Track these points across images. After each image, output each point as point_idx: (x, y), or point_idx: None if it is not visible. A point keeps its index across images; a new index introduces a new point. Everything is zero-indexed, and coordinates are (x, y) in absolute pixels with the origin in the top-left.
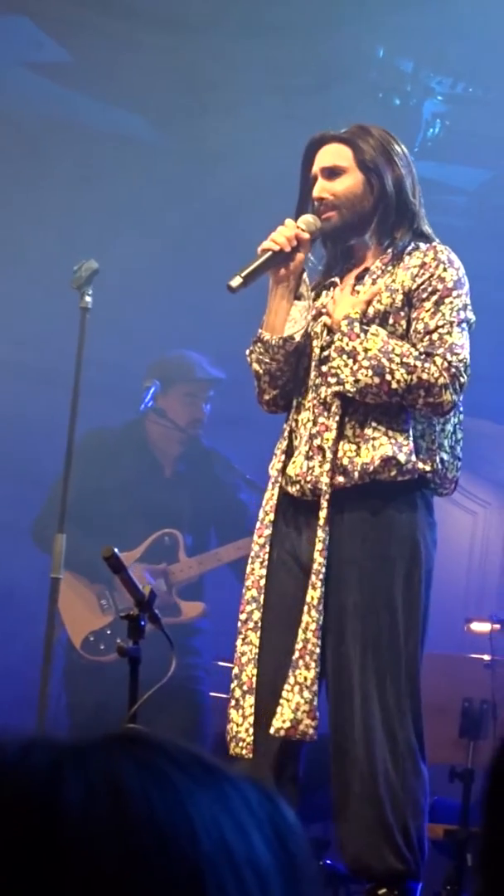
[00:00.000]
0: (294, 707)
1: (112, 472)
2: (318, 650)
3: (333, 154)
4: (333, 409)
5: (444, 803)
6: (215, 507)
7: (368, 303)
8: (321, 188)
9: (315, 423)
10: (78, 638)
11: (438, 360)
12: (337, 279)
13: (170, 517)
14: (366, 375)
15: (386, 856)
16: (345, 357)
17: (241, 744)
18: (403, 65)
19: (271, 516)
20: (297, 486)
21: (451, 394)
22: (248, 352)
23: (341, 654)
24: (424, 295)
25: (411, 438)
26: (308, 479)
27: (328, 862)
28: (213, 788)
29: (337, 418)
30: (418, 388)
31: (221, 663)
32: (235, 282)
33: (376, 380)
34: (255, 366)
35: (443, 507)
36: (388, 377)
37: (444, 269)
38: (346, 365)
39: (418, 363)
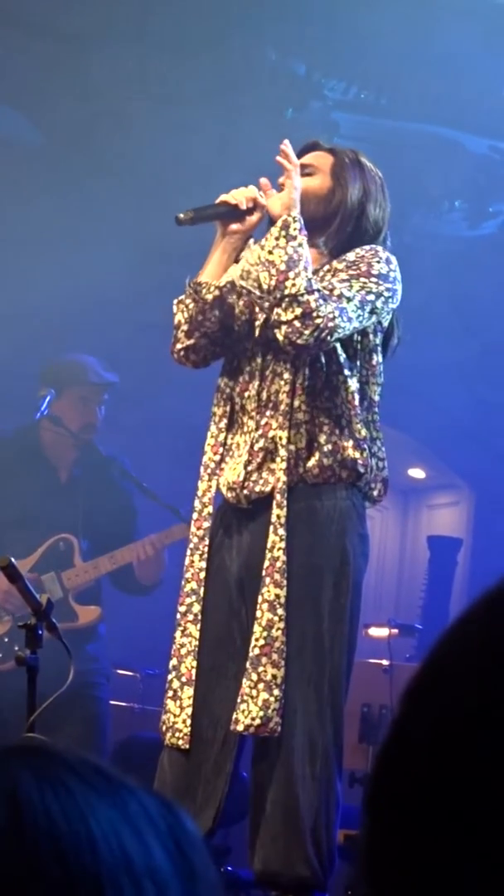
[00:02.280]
0: (263, 704)
1: (4, 479)
2: (285, 647)
3: (314, 156)
4: (282, 408)
5: (344, 809)
6: (110, 510)
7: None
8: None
9: (258, 427)
10: None
11: (329, 307)
12: None
13: (65, 522)
14: (280, 256)
15: (294, 863)
16: (282, 231)
17: (177, 734)
18: (296, 68)
19: (210, 508)
20: (234, 493)
21: (312, 339)
22: (176, 301)
23: None
24: (342, 266)
25: (355, 441)
26: (245, 486)
27: (229, 868)
28: (112, 798)
29: (288, 419)
30: (299, 306)
31: (121, 671)
32: (185, 215)
33: (282, 266)
34: (179, 315)
35: None
36: (292, 274)
37: (377, 261)
38: (277, 238)
39: (317, 291)
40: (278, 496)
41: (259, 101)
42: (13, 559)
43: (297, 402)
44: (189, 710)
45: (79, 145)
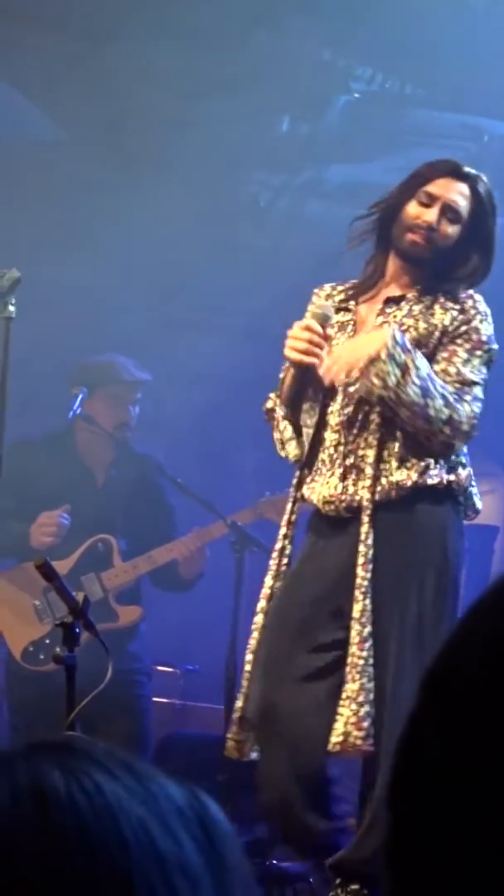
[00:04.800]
0: (345, 720)
1: (39, 485)
2: (363, 662)
3: (460, 195)
4: (372, 427)
5: None
6: (147, 509)
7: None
8: (436, 219)
9: (346, 444)
10: (17, 649)
11: (468, 408)
12: (355, 301)
13: (104, 523)
14: (413, 392)
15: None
16: (394, 366)
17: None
18: (322, 56)
19: (285, 531)
20: (332, 506)
21: (462, 441)
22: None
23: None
24: (459, 341)
25: (437, 457)
26: (343, 498)
27: (274, 862)
28: (141, 793)
29: (377, 436)
30: (446, 425)
31: (160, 668)
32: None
33: (420, 400)
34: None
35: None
36: (430, 402)
37: (482, 321)
38: (393, 374)
39: (453, 400)
40: (367, 512)
41: (285, 92)
42: (48, 559)
43: (382, 418)
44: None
45: (102, 142)
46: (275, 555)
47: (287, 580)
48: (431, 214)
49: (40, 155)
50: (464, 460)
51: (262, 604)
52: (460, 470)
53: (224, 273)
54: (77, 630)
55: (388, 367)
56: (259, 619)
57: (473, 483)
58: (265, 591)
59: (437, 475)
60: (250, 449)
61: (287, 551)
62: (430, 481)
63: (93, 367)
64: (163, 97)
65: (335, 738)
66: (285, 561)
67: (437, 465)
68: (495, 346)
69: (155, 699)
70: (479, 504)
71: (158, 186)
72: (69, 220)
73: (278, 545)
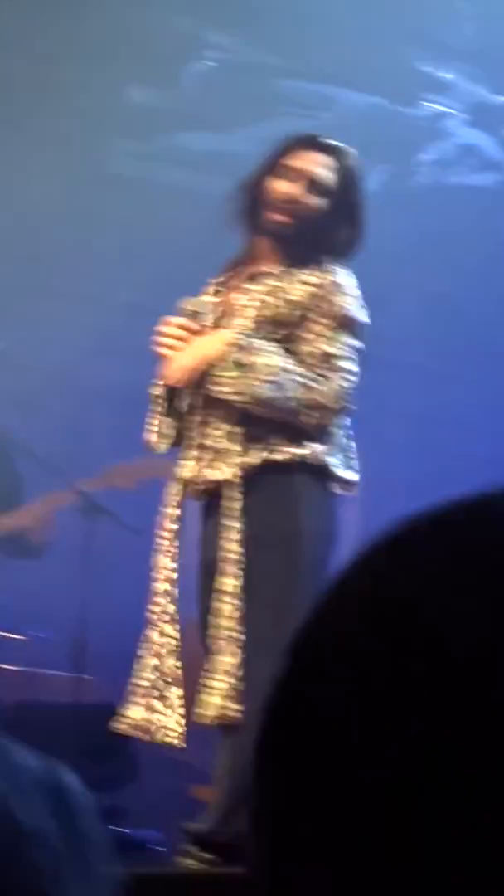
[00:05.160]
0: (222, 694)
1: None
2: (242, 636)
3: (323, 167)
4: (222, 408)
5: None
6: None
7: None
8: (299, 192)
9: (201, 425)
10: None
11: (333, 385)
12: (226, 287)
13: None
14: (264, 391)
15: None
16: (239, 369)
17: (171, 734)
18: (176, 21)
19: (178, 512)
20: (193, 487)
21: (334, 415)
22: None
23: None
24: (320, 318)
25: (298, 435)
26: (199, 479)
27: (125, 831)
28: None
29: (228, 417)
30: (311, 409)
31: (8, 635)
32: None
33: (274, 394)
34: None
35: None
36: (286, 393)
37: (342, 295)
38: (240, 378)
39: (315, 383)
40: (226, 489)
41: (139, 59)
42: None
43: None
44: (181, 710)
45: None
46: (167, 534)
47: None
48: (294, 188)
49: None
50: (331, 433)
51: (165, 586)
52: (313, 444)
53: (83, 240)
54: None
55: (233, 373)
56: (164, 602)
57: (337, 454)
58: (166, 573)
59: (287, 451)
60: (102, 416)
61: (178, 532)
62: (279, 458)
63: None
64: (18, 62)
65: (211, 711)
66: (178, 543)
67: (288, 442)
68: (358, 316)
69: (2, 666)
70: (345, 475)
71: (15, 151)
72: None
73: (172, 525)
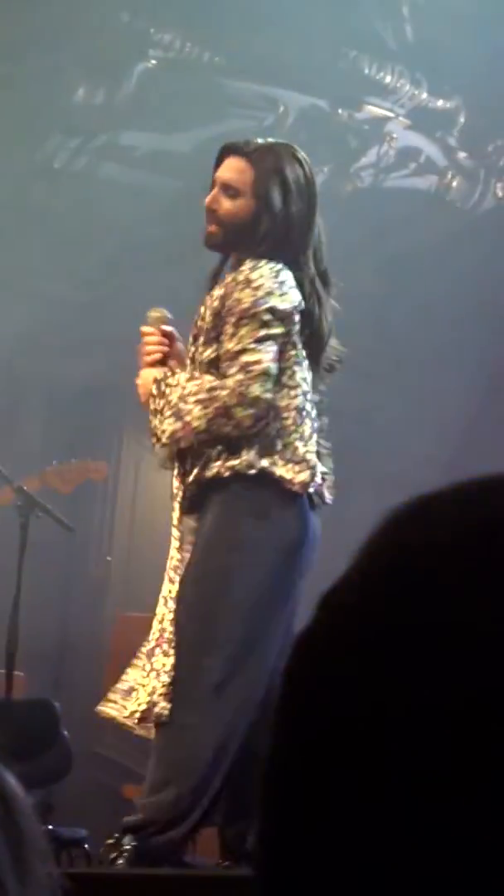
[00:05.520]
0: (150, 691)
1: None
2: (173, 639)
3: (235, 171)
4: None
5: None
6: None
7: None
8: (213, 199)
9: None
10: None
11: (230, 383)
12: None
13: None
14: (170, 424)
15: None
16: (157, 417)
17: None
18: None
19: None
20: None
21: (243, 409)
22: None
23: None
24: (226, 317)
25: (245, 445)
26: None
27: (50, 827)
28: None
29: None
30: (218, 419)
31: None
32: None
33: (178, 424)
34: None
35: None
36: (187, 418)
37: (243, 289)
38: (157, 421)
39: (211, 394)
40: (177, 499)
41: (82, 55)
42: None
43: None
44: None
45: None
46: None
47: None
48: (211, 197)
49: None
50: (267, 435)
51: (169, 574)
52: (248, 452)
53: (14, 234)
54: None
55: (153, 422)
56: (168, 586)
57: (276, 457)
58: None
59: (214, 466)
60: (39, 415)
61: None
62: (208, 473)
63: None
64: None
65: (135, 706)
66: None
67: (217, 456)
68: (261, 307)
69: None
70: (288, 475)
71: None
72: None
73: (175, 543)
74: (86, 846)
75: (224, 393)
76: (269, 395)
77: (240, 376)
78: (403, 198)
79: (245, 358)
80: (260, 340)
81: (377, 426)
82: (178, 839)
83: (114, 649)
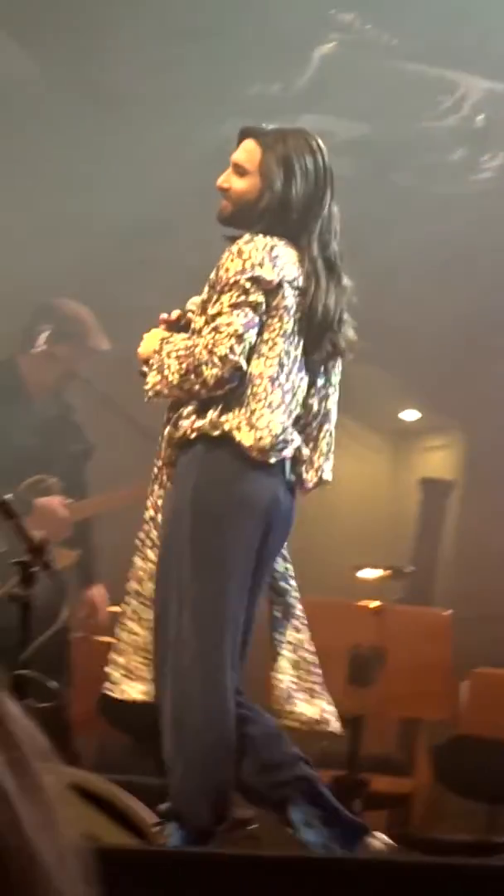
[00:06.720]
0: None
1: None
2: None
3: (246, 151)
4: None
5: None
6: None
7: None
8: (226, 178)
9: None
10: None
11: (201, 341)
12: None
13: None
14: (153, 377)
15: None
16: (150, 370)
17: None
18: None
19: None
20: None
21: (211, 367)
22: None
23: None
24: (219, 287)
25: (212, 406)
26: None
27: None
28: None
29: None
30: (188, 374)
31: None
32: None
33: (157, 377)
34: None
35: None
36: (165, 372)
37: (231, 261)
38: (149, 375)
39: (188, 351)
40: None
41: (262, 39)
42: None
43: None
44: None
45: (75, 78)
46: None
47: None
48: (223, 177)
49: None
50: (238, 397)
51: (149, 512)
52: (210, 413)
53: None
54: (35, 569)
55: (150, 377)
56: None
57: (243, 421)
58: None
59: (183, 425)
60: None
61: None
62: (177, 434)
63: (67, 314)
64: (137, 38)
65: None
66: None
67: (188, 415)
68: (244, 276)
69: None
70: (249, 441)
71: (130, 124)
72: (40, 155)
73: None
74: None
75: (196, 350)
76: (234, 358)
77: (210, 336)
78: None
79: (219, 320)
80: (236, 306)
81: None
82: None
83: None
